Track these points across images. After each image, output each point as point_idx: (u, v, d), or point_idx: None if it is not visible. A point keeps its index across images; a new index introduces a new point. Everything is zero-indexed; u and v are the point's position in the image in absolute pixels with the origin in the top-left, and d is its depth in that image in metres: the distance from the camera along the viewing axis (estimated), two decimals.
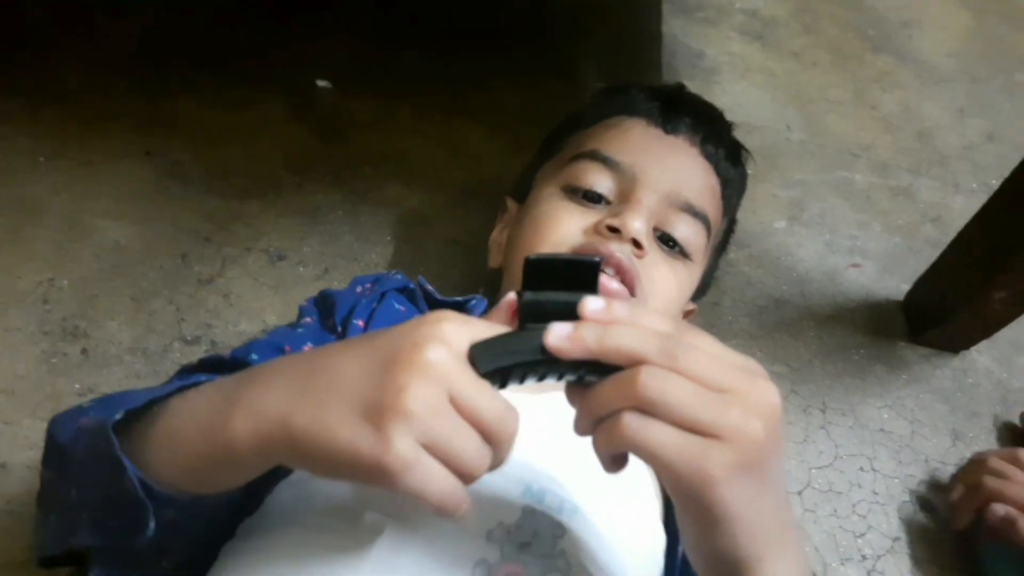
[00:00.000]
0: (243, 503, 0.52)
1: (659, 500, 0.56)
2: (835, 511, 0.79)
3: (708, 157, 0.72)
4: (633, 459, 0.52)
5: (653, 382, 0.35)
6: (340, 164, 0.99)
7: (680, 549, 0.54)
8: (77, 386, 0.75)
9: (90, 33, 1.06)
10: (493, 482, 0.50)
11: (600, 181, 0.67)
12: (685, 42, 1.27)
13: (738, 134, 0.80)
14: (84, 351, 0.77)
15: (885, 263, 1.02)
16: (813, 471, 0.82)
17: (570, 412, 0.56)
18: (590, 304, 0.37)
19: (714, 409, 0.35)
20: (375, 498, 0.48)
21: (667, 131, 0.71)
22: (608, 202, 0.67)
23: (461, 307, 0.67)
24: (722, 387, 0.35)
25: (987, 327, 0.90)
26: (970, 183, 1.15)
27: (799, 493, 0.80)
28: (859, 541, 0.78)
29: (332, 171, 0.97)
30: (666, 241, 0.67)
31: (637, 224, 0.62)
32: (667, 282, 0.65)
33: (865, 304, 0.97)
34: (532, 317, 0.37)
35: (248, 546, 0.49)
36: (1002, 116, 1.28)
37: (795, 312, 0.94)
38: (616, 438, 0.36)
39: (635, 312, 0.37)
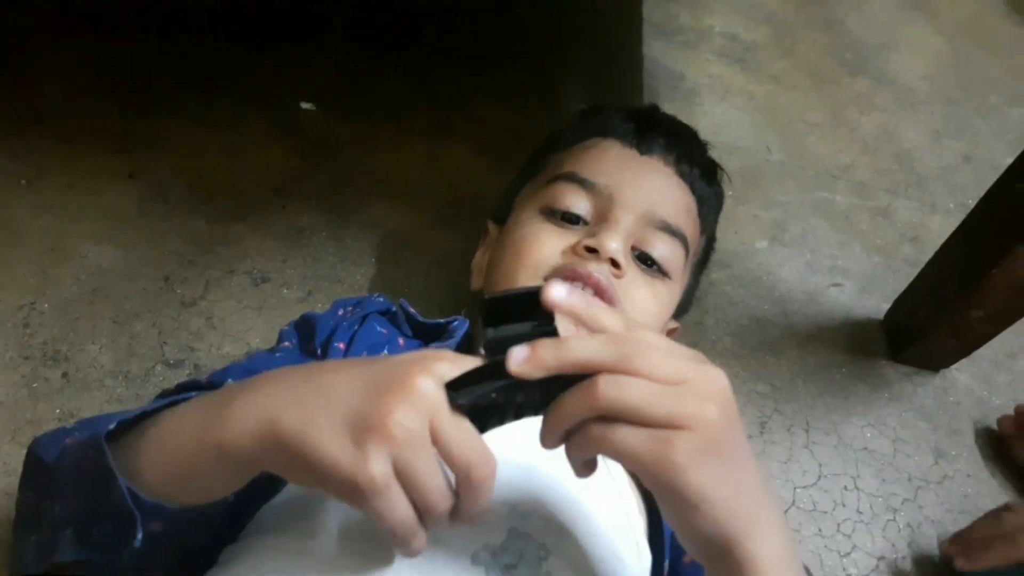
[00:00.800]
0: (225, 528, 0.51)
1: (643, 518, 0.56)
2: (820, 530, 0.80)
3: (683, 176, 0.73)
4: (617, 479, 0.52)
5: (609, 390, 0.37)
6: (324, 185, 0.99)
7: (666, 566, 0.54)
8: (58, 411, 0.74)
9: (73, 53, 1.06)
10: None
11: (577, 202, 0.68)
12: (666, 64, 1.29)
13: (718, 155, 0.81)
14: (65, 375, 0.77)
15: (865, 282, 1.03)
16: (797, 490, 0.82)
17: None
18: (552, 292, 0.39)
19: (669, 402, 0.37)
20: (356, 525, 0.48)
21: (642, 152, 0.72)
22: (586, 223, 0.67)
23: (443, 328, 0.67)
24: (674, 380, 0.37)
25: (966, 345, 0.91)
26: (947, 203, 1.17)
27: (784, 512, 0.80)
28: (844, 561, 0.78)
29: (316, 192, 0.98)
30: (644, 260, 0.67)
31: (614, 244, 0.63)
32: (646, 301, 0.66)
33: (846, 323, 0.98)
34: (499, 351, 0.38)
35: (230, 572, 0.48)
36: (978, 138, 1.31)
37: (777, 331, 0.95)
38: (586, 447, 0.38)
39: (593, 312, 0.40)
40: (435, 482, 0.37)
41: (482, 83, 1.17)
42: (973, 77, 1.45)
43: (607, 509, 0.54)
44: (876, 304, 1.00)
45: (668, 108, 0.83)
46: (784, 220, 1.09)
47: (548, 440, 0.40)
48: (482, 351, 0.40)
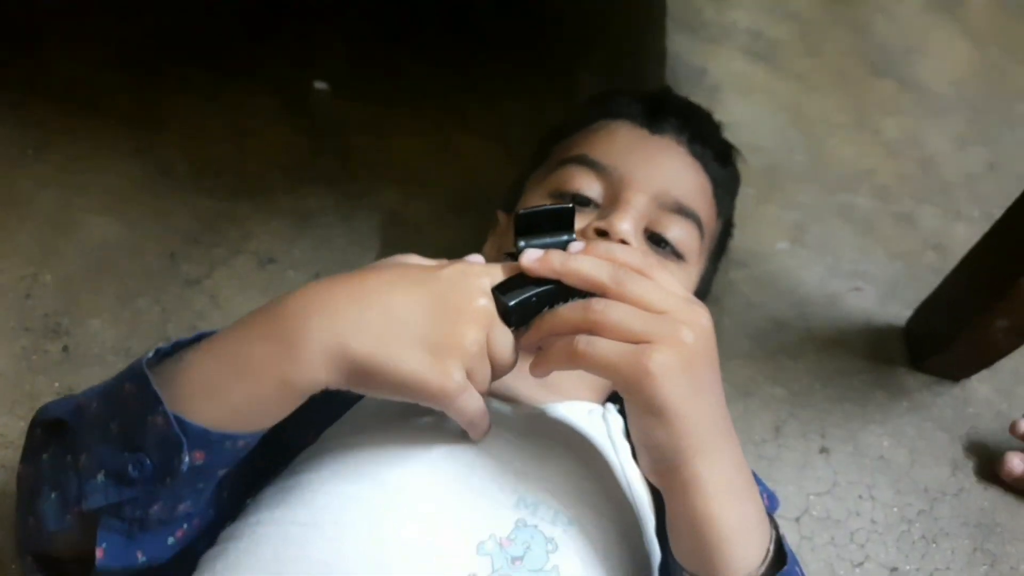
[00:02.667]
0: (227, 506, 0.50)
1: (653, 513, 0.54)
2: (832, 539, 0.77)
3: (696, 156, 0.70)
4: (628, 474, 0.51)
5: (599, 306, 0.43)
6: (333, 168, 0.97)
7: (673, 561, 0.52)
8: (57, 384, 0.72)
9: (84, 27, 1.05)
10: (485, 491, 0.49)
11: (588, 185, 0.66)
12: (688, 59, 1.26)
13: (741, 154, 0.79)
14: (65, 349, 0.75)
15: (887, 288, 1.01)
16: (811, 498, 0.80)
17: (576, 426, 0.54)
18: (574, 245, 0.47)
19: (651, 321, 0.43)
20: (359, 504, 0.46)
21: (653, 132, 0.70)
22: (597, 205, 0.65)
23: None
24: (660, 309, 0.43)
25: (988, 356, 0.89)
26: (972, 212, 1.14)
27: (796, 520, 0.78)
28: (856, 571, 0.76)
29: (325, 175, 0.96)
30: (657, 242, 0.65)
31: (625, 226, 0.61)
32: None
33: (866, 329, 0.95)
34: None
35: (228, 548, 0.47)
36: (1002, 146, 1.28)
37: (795, 335, 0.93)
38: (570, 355, 0.43)
39: (610, 246, 0.46)
40: (488, 375, 0.45)
41: (500, 73, 1.15)
42: (999, 84, 1.42)
43: (617, 504, 0.53)
44: (897, 311, 0.97)
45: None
46: (805, 222, 1.06)
47: (527, 341, 0.46)
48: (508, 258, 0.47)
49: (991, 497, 0.83)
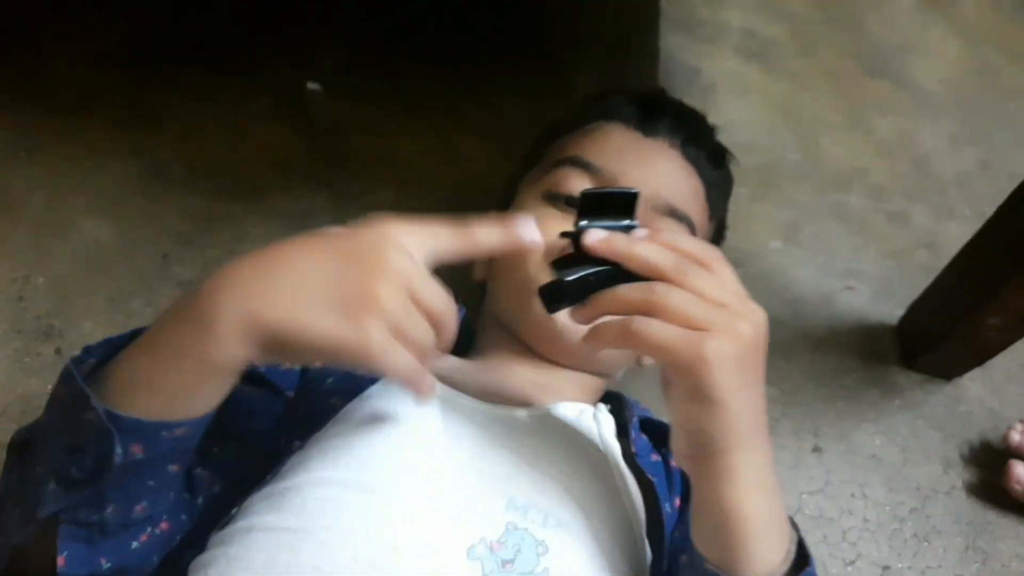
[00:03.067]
0: (212, 515, 0.50)
1: (642, 515, 0.54)
2: (825, 537, 0.78)
3: (689, 159, 0.70)
4: (617, 475, 0.51)
5: (661, 289, 0.42)
6: (328, 167, 0.97)
7: (664, 565, 0.53)
8: (49, 387, 0.71)
9: (77, 27, 1.04)
10: (476, 494, 0.49)
11: (580, 186, 0.65)
12: (682, 59, 1.26)
13: (734, 152, 0.79)
14: (58, 351, 0.75)
15: (879, 287, 1.01)
16: (804, 496, 0.80)
17: (566, 429, 0.54)
18: (638, 232, 0.46)
19: (710, 311, 0.42)
20: (349, 509, 0.47)
21: (646, 134, 0.70)
22: None
23: None
24: (719, 302, 0.43)
25: (980, 354, 0.89)
26: (964, 210, 1.15)
27: (790, 518, 0.78)
28: (848, 569, 0.76)
29: (320, 174, 0.96)
30: None
31: None
32: None
33: (859, 327, 0.96)
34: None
35: (218, 554, 0.47)
36: (995, 145, 1.28)
37: (789, 333, 0.93)
38: (627, 335, 0.43)
39: (674, 236, 0.45)
40: (422, 329, 0.42)
41: (496, 71, 1.15)
42: (992, 84, 1.43)
43: (607, 505, 0.53)
44: (890, 309, 0.98)
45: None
46: (799, 220, 1.07)
47: (583, 315, 0.45)
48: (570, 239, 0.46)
49: (983, 495, 0.84)
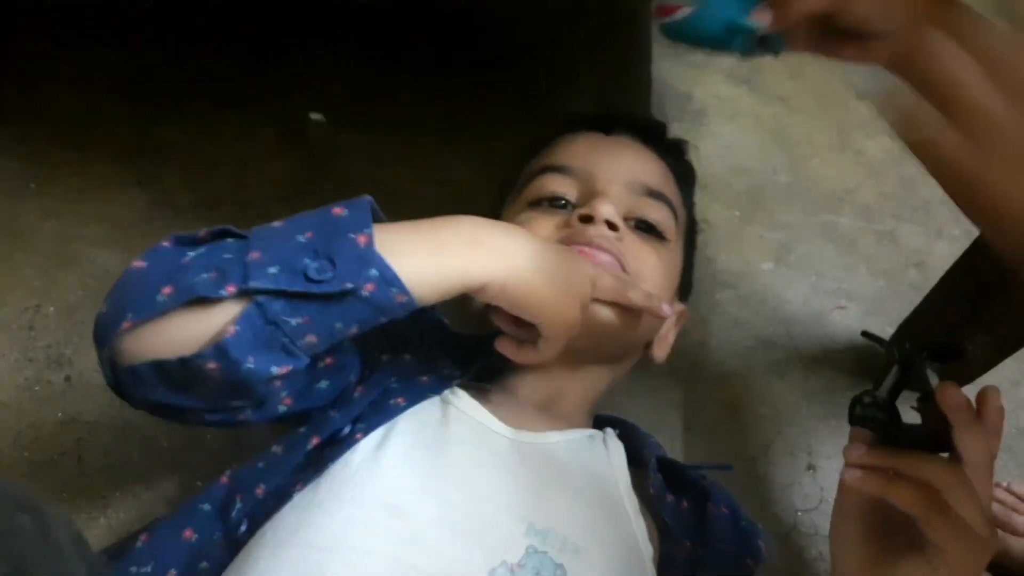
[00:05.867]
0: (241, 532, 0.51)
1: (650, 545, 0.56)
2: (821, 554, 0.79)
3: (653, 148, 0.74)
4: (630, 506, 0.53)
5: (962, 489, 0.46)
6: (330, 196, 0.97)
7: None
8: (60, 414, 0.74)
9: (84, 60, 1.07)
10: (497, 517, 0.51)
11: (561, 187, 0.68)
12: (674, 85, 1.29)
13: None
14: (68, 379, 0.77)
15: (870, 306, 1.03)
16: (799, 514, 0.81)
17: (580, 454, 0.57)
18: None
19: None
20: (375, 530, 0.48)
21: (607, 133, 0.74)
22: (574, 206, 0.68)
23: (482, 342, 0.67)
24: (980, 526, 0.46)
25: (969, 372, 0.91)
26: (952, 230, 1.17)
27: (785, 536, 0.80)
28: None
29: (322, 203, 0.97)
30: (644, 228, 0.68)
31: (607, 208, 0.64)
32: (651, 261, 0.66)
33: (851, 346, 0.98)
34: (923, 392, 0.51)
35: (247, 568, 0.48)
36: None
37: (782, 353, 0.95)
38: (893, 489, 0.48)
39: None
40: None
41: (491, 100, 1.17)
42: None
43: (618, 532, 0.55)
44: (881, 328, 1.00)
45: (676, 128, 0.83)
46: (790, 242, 1.09)
47: (876, 459, 0.50)
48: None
49: None
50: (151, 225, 0.91)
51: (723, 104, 1.28)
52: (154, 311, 0.46)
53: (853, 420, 0.50)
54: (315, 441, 0.54)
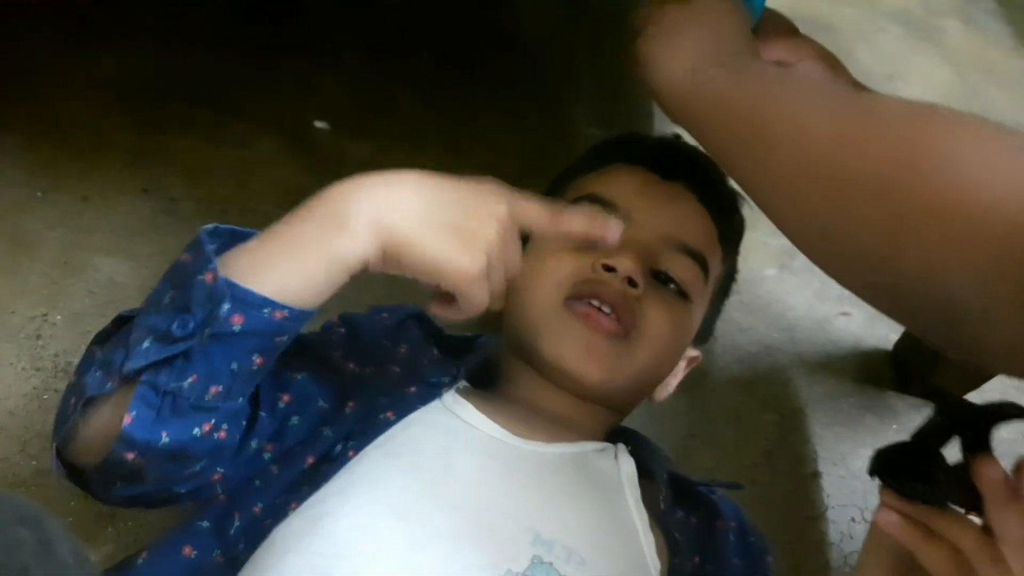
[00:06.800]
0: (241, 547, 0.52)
1: (658, 560, 0.56)
2: (827, 562, 0.79)
3: (705, 204, 0.72)
4: (640, 521, 0.53)
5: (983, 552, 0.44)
6: None
7: None
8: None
9: (88, 68, 1.07)
10: (503, 527, 0.51)
11: None
12: None
13: (744, 197, 0.81)
14: None
15: (874, 312, 1.02)
16: (804, 521, 0.82)
17: (589, 466, 0.56)
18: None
19: None
20: (381, 537, 0.48)
21: (664, 176, 0.72)
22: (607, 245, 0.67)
23: (470, 343, 0.68)
24: None
25: (974, 378, 0.91)
26: None
27: (790, 544, 0.80)
28: None
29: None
30: (662, 280, 0.67)
31: (630, 263, 0.62)
32: (663, 320, 0.65)
33: (854, 352, 0.98)
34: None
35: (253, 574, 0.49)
36: None
37: (785, 359, 0.95)
38: (916, 540, 0.46)
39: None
40: (500, 279, 0.51)
41: (495, 107, 1.18)
42: (980, 109, 1.45)
43: (625, 545, 0.55)
44: (885, 334, 1.00)
45: (681, 136, 0.83)
46: (793, 248, 1.08)
47: (897, 505, 0.47)
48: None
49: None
50: (157, 233, 0.91)
51: None
52: (67, 425, 0.48)
53: (875, 468, 0.49)
54: (310, 460, 0.55)
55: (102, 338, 0.53)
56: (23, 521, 0.39)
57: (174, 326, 0.45)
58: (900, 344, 0.98)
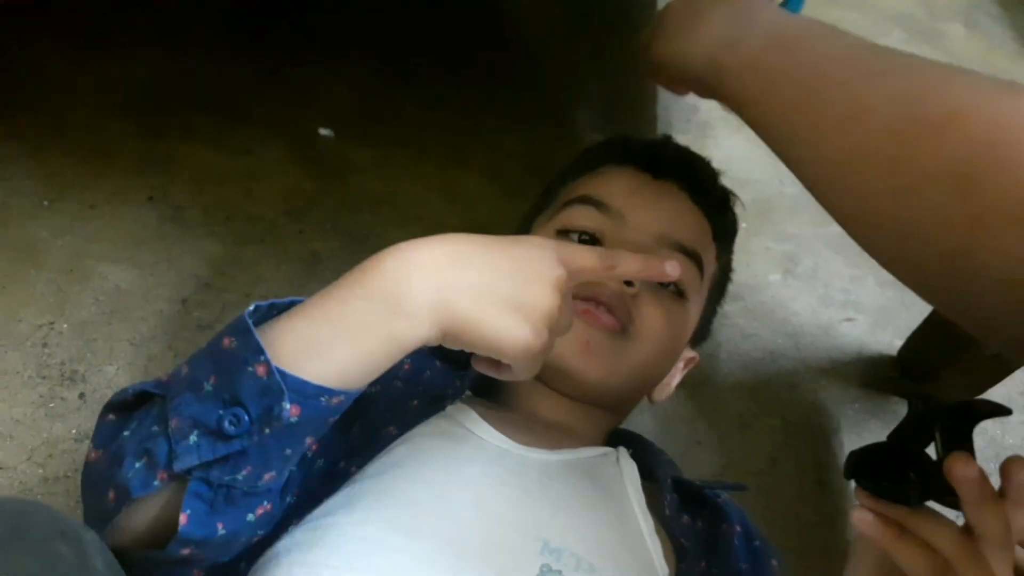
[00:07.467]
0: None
1: (666, 565, 0.56)
2: (832, 569, 0.79)
3: (697, 201, 0.73)
4: (645, 526, 0.53)
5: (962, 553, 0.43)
6: (339, 210, 1.00)
7: None
8: (74, 431, 0.75)
9: (95, 76, 1.08)
10: (512, 536, 0.51)
11: (592, 223, 0.68)
12: (680, 97, 1.30)
13: (731, 188, 0.81)
14: (82, 395, 0.77)
15: (878, 317, 1.03)
16: (808, 528, 0.82)
17: (593, 472, 0.57)
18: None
19: None
20: (388, 550, 0.48)
21: (655, 176, 0.72)
22: (601, 244, 0.68)
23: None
24: None
25: (979, 383, 0.91)
26: None
27: (793, 550, 0.80)
28: None
29: (331, 217, 0.99)
30: (661, 282, 0.67)
31: (631, 268, 0.63)
32: (659, 318, 0.66)
33: (859, 358, 0.98)
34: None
35: None
36: None
37: (790, 365, 0.95)
38: (897, 546, 0.46)
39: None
40: (552, 342, 0.50)
41: (497, 112, 1.18)
42: None
43: (632, 551, 0.55)
44: (889, 339, 1.00)
45: (681, 140, 0.83)
46: (797, 253, 1.09)
47: (873, 506, 0.47)
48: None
49: None
50: (163, 240, 0.92)
51: (728, 116, 1.27)
52: (107, 520, 0.45)
53: (850, 471, 0.48)
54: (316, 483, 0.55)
55: (118, 406, 0.50)
56: (63, 536, 0.39)
57: (225, 423, 0.43)
58: (904, 350, 0.98)
